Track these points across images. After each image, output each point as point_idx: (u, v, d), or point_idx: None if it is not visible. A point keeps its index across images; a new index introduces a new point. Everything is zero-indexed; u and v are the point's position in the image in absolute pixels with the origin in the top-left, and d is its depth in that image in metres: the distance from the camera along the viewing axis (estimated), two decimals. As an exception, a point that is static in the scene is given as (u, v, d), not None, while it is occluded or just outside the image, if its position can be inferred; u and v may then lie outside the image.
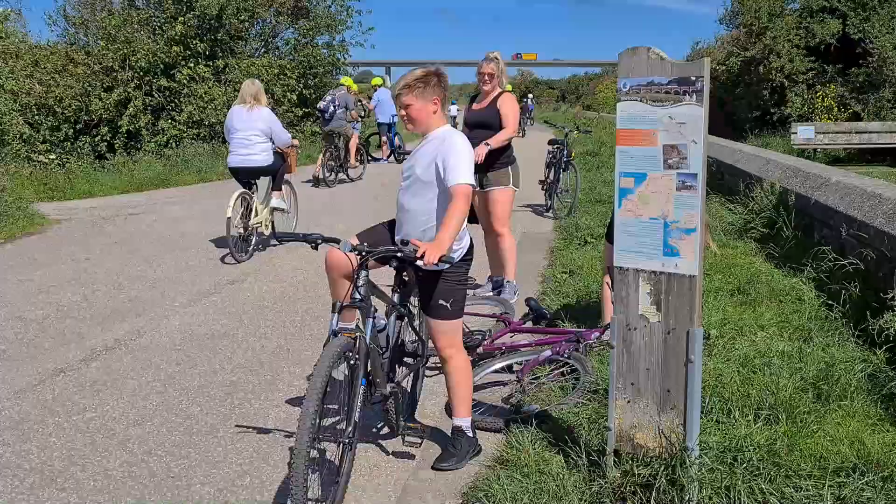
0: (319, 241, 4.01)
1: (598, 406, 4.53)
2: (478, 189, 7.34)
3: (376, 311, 4.07)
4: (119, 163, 19.14)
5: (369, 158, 21.31)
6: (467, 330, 5.45)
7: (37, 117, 21.36)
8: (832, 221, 7.69)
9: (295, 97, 23.79)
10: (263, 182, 9.89)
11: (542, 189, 13.10)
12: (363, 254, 3.94)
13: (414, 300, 4.59)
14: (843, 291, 6.31)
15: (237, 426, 4.84)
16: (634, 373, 3.70)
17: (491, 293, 7.60)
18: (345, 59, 26.05)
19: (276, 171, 9.60)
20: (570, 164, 12.60)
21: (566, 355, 5.14)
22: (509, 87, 7.64)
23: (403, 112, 4.14)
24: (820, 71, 29.09)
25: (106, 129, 21.68)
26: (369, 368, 3.90)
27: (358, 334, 3.81)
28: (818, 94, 28.16)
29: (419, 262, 3.73)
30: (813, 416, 4.43)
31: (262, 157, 9.27)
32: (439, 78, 4.13)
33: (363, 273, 3.96)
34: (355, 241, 4.16)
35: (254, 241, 9.61)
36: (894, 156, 22.88)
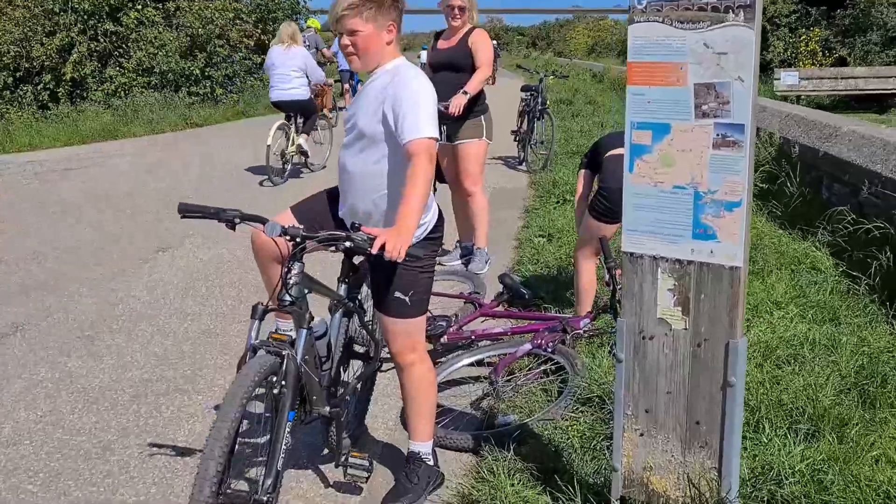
0: (237, 220, 2.92)
1: (594, 421, 3.57)
2: (445, 142, 6.33)
3: (312, 318, 2.99)
4: (63, 113, 17.87)
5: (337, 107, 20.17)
6: (429, 315, 4.44)
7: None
8: (847, 177, 6.73)
9: (252, 43, 22.41)
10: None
11: (515, 140, 12.04)
12: (297, 240, 2.87)
13: (365, 289, 3.53)
14: (870, 260, 5.35)
15: (139, 445, 3.83)
16: (650, 397, 2.71)
17: (458, 262, 6.61)
18: (305, 3, 24.61)
19: (310, 110, 10.70)
20: (545, 112, 11.52)
21: (549, 349, 4.16)
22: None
23: (347, 42, 3.04)
24: (804, 13, 27.97)
25: (49, 76, 20.20)
26: (302, 393, 2.93)
27: (286, 352, 2.78)
28: (802, 37, 27.10)
29: (378, 254, 2.69)
30: (863, 429, 3.48)
31: (300, 90, 10.22)
32: None
33: (297, 266, 2.90)
34: (288, 221, 3.13)
35: (289, 167, 10.71)
36: (881, 103, 21.95)
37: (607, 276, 4.26)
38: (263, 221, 2.87)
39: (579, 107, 18.36)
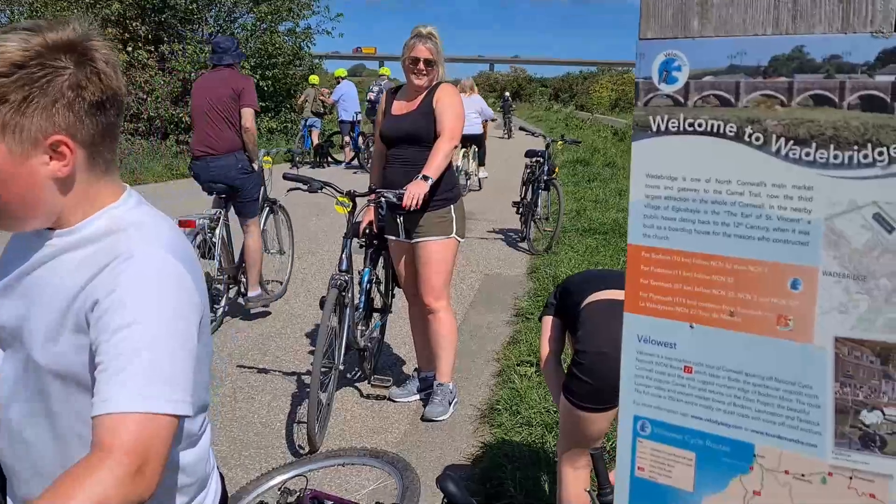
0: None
1: None
2: (402, 239, 4.72)
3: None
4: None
5: (330, 161, 18.73)
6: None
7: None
8: None
9: (249, 89, 21.01)
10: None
11: (517, 212, 10.38)
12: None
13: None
14: None
15: None
16: None
17: (416, 397, 4.94)
18: (309, 49, 23.21)
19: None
20: (551, 183, 9.83)
21: None
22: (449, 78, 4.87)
23: None
24: None
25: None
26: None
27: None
28: None
29: None
30: None
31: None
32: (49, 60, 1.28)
33: None
34: None
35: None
36: None
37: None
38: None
39: (597, 169, 16.71)
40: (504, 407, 4.67)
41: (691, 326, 1.25)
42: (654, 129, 1.25)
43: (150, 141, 18.70)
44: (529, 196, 10.03)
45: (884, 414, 1.12)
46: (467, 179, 14.47)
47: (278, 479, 3.42)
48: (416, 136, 4.60)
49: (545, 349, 3.17)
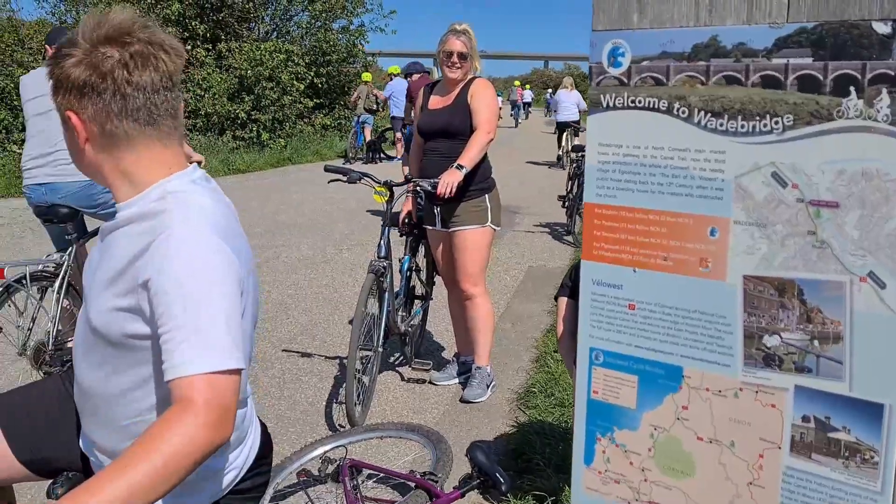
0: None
1: None
2: (437, 229, 4.89)
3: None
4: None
5: (382, 156, 19.03)
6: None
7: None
8: None
9: (302, 86, 21.44)
10: None
11: (563, 206, 10.54)
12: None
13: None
14: None
15: None
16: None
17: (455, 380, 5.14)
18: (362, 45, 23.59)
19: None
20: (596, 176, 10.02)
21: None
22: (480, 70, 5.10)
23: None
24: None
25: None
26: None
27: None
28: None
29: None
30: None
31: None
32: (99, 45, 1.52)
33: None
34: None
35: None
36: None
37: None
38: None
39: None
40: (539, 390, 4.83)
41: (634, 270, 1.51)
42: (604, 105, 1.50)
43: (207, 136, 19.14)
44: (575, 190, 10.21)
45: (781, 338, 1.36)
46: (566, 156, 16.61)
47: (320, 449, 3.64)
48: (452, 129, 4.78)
49: (560, 327, 3.44)
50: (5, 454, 1.82)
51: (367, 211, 11.14)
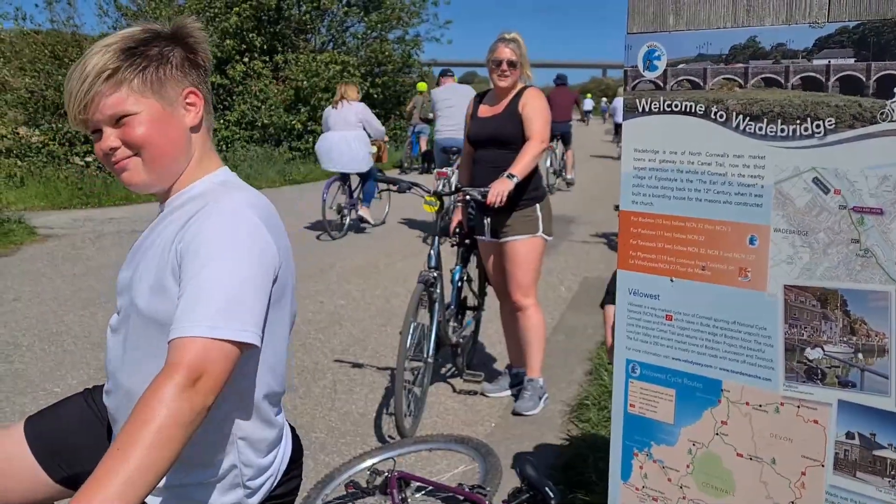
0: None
1: None
2: (488, 239, 4.86)
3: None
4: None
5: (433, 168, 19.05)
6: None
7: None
8: None
9: (359, 97, 21.58)
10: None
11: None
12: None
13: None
14: None
15: None
16: None
17: (507, 392, 5.09)
18: (418, 56, 23.69)
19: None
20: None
21: None
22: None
23: (112, 143, 1.60)
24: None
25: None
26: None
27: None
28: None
29: None
30: None
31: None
32: (185, 40, 1.66)
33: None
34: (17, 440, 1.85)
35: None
36: None
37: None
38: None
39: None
40: (592, 402, 4.75)
41: (671, 280, 1.46)
42: (640, 109, 1.46)
43: (264, 147, 19.37)
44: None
45: (823, 350, 1.31)
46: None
47: (369, 462, 3.63)
48: (502, 138, 4.74)
49: (610, 338, 3.36)
50: (39, 476, 1.86)
51: (420, 221, 11.15)
